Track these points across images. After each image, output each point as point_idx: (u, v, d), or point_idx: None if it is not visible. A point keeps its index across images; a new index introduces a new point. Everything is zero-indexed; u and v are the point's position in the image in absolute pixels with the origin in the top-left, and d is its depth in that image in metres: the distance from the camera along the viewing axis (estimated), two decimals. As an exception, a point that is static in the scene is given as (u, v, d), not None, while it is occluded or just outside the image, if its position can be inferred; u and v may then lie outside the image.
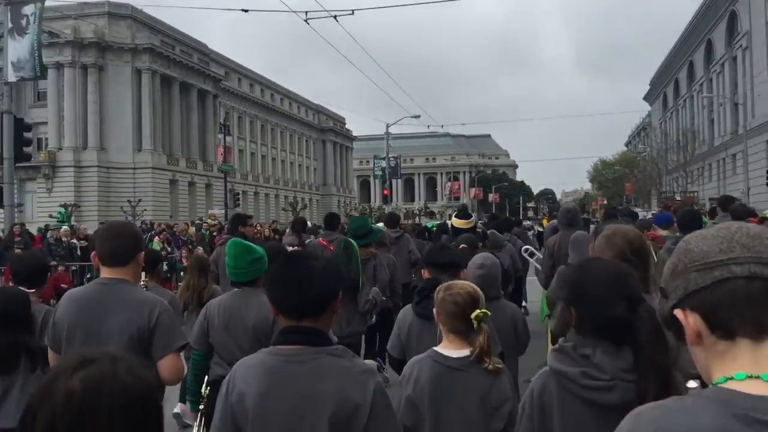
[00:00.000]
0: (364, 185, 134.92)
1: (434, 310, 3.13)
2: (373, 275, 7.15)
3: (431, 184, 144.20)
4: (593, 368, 2.13)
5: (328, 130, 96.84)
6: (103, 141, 53.93)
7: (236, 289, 4.29)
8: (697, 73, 62.70)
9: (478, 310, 2.97)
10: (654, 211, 34.04)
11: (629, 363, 2.13)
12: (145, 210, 45.92)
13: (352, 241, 6.58)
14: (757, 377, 1.05)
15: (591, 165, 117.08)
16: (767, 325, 1.08)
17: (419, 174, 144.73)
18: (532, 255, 10.31)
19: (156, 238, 17.70)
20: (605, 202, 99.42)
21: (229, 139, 42.12)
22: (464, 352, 2.97)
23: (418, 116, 42.52)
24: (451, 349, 3.01)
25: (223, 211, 36.12)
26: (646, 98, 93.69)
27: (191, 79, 60.22)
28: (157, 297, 3.49)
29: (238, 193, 44.04)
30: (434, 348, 3.08)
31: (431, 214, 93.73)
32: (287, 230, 15.40)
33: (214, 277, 6.68)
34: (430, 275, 4.19)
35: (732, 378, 1.06)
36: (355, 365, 2.26)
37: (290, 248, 7.74)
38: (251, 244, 4.56)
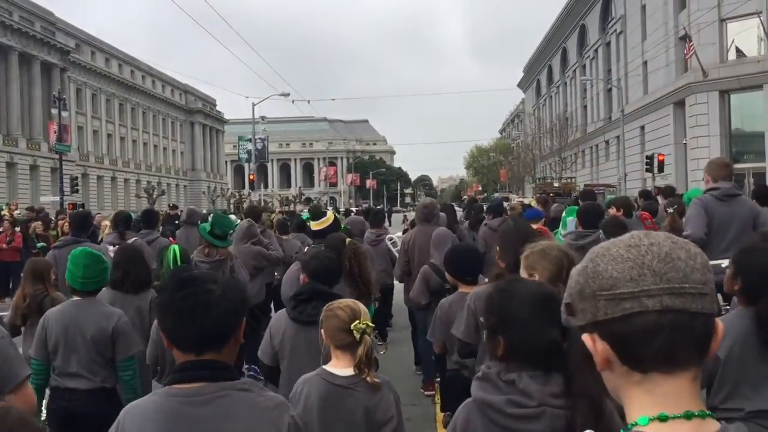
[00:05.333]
0: (239, 171, 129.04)
1: (321, 330, 3.13)
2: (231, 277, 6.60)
3: (308, 169, 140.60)
4: (519, 395, 1.99)
5: (196, 112, 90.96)
6: (-77, 117, 46.64)
7: (75, 299, 4.22)
8: (571, 59, 62.89)
9: (357, 321, 3.00)
10: (528, 198, 32.75)
11: (559, 387, 2.02)
12: (-30, 197, 39.69)
13: (172, 246, 5.87)
14: (680, 417, 1.02)
15: (467, 151, 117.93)
16: (679, 358, 1.04)
17: (296, 159, 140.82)
18: (395, 245, 9.73)
19: None
20: (480, 188, 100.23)
21: (66, 115, 36.61)
22: (351, 370, 3.00)
23: (287, 94, 39.06)
24: (339, 367, 3.04)
25: (57, 199, 31.19)
26: (519, 85, 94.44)
27: (33, 50, 53.50)
28: None
29: (77, 178, 38.56)
30: (323, 366, 3.10)
31: (308, 201, 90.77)
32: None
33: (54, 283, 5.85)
34: (307, 282, 4.18)
35: (656, 418, 1.03)
36: (266, 399, 2.04)
37: (111, 248, 7.33)
38: (99, 253, 4.49)
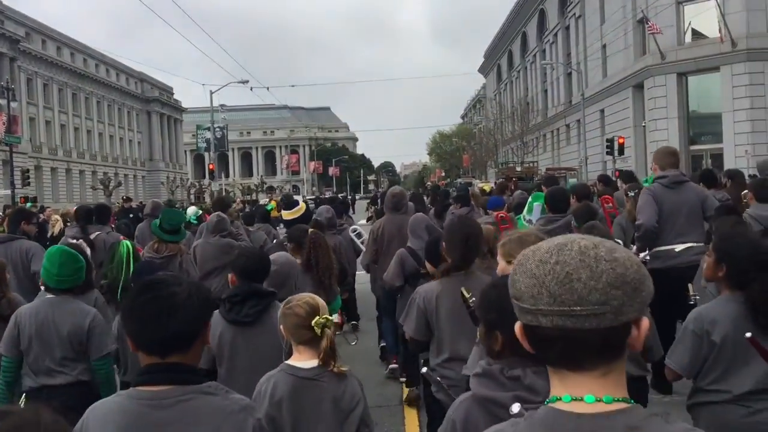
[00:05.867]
0: (199, 160, 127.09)
1: (280, 327, 3.15)
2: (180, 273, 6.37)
3: (270, 158, 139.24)
4: (525, 391, 1.99)
5: (153, 101, 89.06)
6: None
7: (49, 296, 4.19)
8: (531, 44, 63.08)
9: (317, 317, 3.02)
10: (487, 184, 32.68)
11: None
12: None
13: (123, 242, 5.86)
14: (581, 399, 1.16)
15: (430, 137, 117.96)
16: (580, 362, 1.16)
17: (257, 148, 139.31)
18: (359, 236, 9.40)
19: None
20: (443, 174, 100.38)
21: (16, 105, 35.35)
22: (314, 362, 3.04)
23: (246, 81, 38.35)
24: (302, 360, 3.06)
25: (9, 192, 30.16)
26: (480, 70, 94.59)
27: (-20, 39, 51.59)
28: None
29: (28, 170, 37.36)
30: (286, 362, 3.11)
31: (270, 189, 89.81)
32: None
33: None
34: (237, 282, 4.03)
35: (560, 399, 1.18)
36: (232, 403, 2.06)
37: (73, 242, 7.02)
38: (75, 251, 4.43)
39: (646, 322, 1.17)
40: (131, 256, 5.57)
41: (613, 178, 13.68)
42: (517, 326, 1.23)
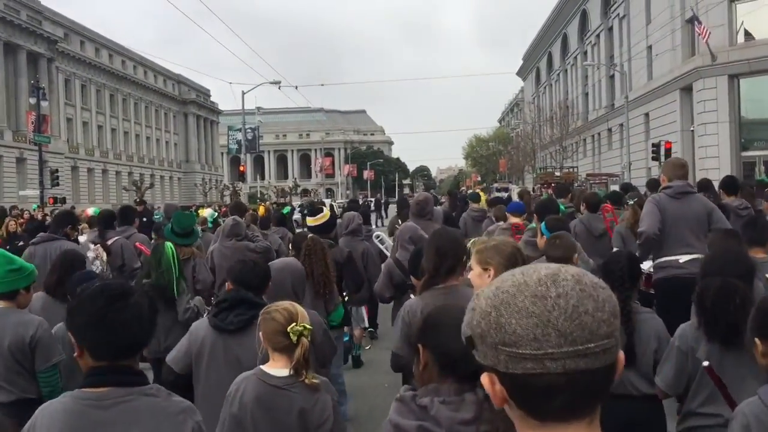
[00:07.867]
0: (235, 162, 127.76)
1: (258, 334, 3.16)
2: (193, 277, 6.46)
3: (305, 160, 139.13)
4: (430, 421, 2.05)
5: (190, 103, 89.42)
6: None
7: None
8: (571, 46, 61.40)
9: (294, 324, 3.02)
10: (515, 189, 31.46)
11: (473, 413, 2.05)
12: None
13: (167, 243, 5.89)
14: None
15: (466, 141, 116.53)
16: (577, 411, 1.03)
17: (293, 150, 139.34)
18: (383, 242, 9.18)
19: None
20: (479, 178, 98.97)
21: (46, 105, 35.14)
22: (287, 371, 3.01)
23: (279, 82, 37.62)
24: (276, 368, 3.06)
25: (38, 192, 29.84)
26: (519, 73, 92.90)
27: (18, 39, 51.98)
28: None
29: (57, 170, 37.14)
30: (260, 366, 3.11)
31: (305, 192, 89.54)
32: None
33: None
34: (232, 289, 4.02)
35: None
36: (171, 404, 2.13)
37: (92, 246, 7.38)
38: (12, 255, 4.18)
39: (622, 354, 1.05)
40: (176, 256, 5.73)
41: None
42: (487, 378, 1.04)
